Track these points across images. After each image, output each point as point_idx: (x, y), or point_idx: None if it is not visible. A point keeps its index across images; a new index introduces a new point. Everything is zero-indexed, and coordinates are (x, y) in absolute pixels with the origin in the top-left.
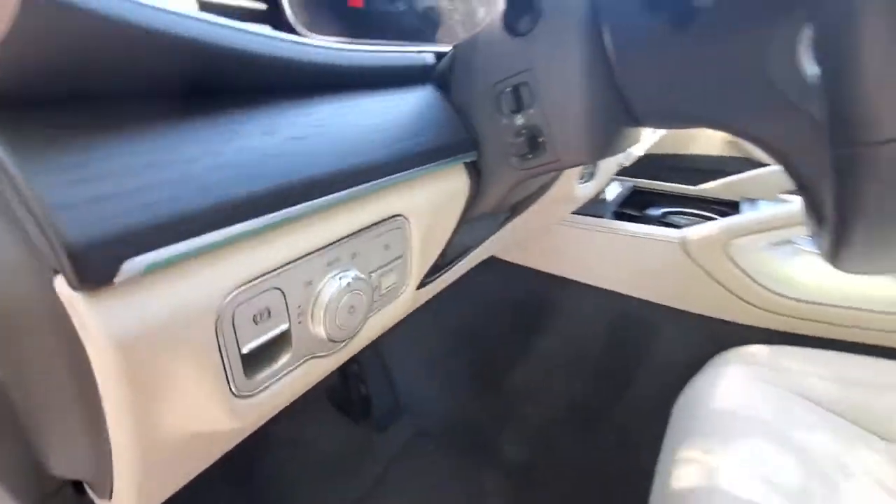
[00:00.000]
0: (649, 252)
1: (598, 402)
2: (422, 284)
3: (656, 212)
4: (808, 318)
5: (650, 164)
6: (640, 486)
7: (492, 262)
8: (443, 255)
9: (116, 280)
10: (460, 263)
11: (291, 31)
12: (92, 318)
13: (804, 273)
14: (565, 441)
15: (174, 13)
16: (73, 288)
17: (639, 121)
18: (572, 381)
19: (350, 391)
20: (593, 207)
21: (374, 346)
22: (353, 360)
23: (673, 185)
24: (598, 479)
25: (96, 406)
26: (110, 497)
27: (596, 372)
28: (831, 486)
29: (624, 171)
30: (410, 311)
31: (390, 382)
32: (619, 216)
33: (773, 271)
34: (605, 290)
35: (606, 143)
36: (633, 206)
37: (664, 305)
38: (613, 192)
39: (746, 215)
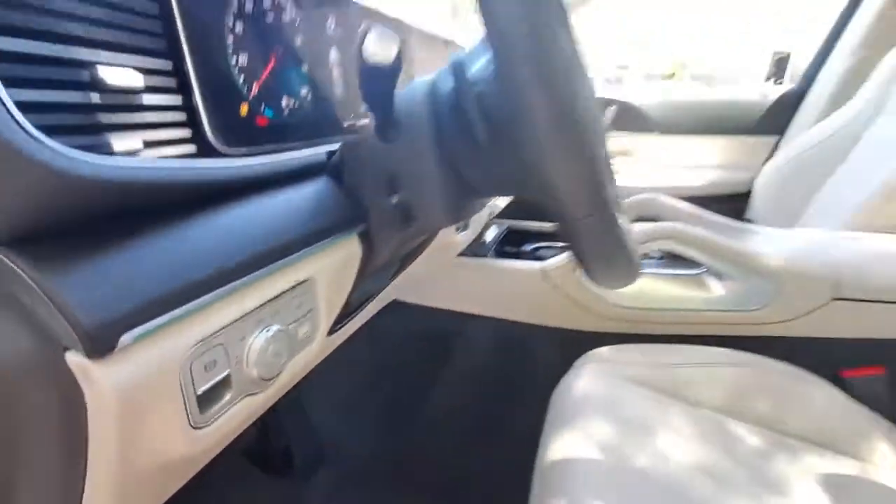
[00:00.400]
0: (520, 282)
1: (497, 414)
2: (332, 331)
3: (529, 247)
4: (642, 320)
5: (526, 207)
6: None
7: (395, 305)
8: (347, 304)
9: (116, 349)
10: (364, 310)
11: (215, 150)
12: (98, 376)
13: (635, 287)
14: (478, 455)
15: (131, 164)
16: (84, 357)
17: (479, 194)
18: (475, 400)
19: (269, 446)
20: (477, 248)
21: (293, 396)
22: (271, 411)
23: (540, 223)
24: (511, 482)
25: (77, 453)
26: None
27: (493, 388)
28: (654, 444)
29: (503, 214)
30: (325, 354)
31: (310, 430)
32: (500, 254)
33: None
34: (491, 318)
35: (458, 211)
36: (512, 244)
37: (536, 324)
38: (492, 234)
39: None
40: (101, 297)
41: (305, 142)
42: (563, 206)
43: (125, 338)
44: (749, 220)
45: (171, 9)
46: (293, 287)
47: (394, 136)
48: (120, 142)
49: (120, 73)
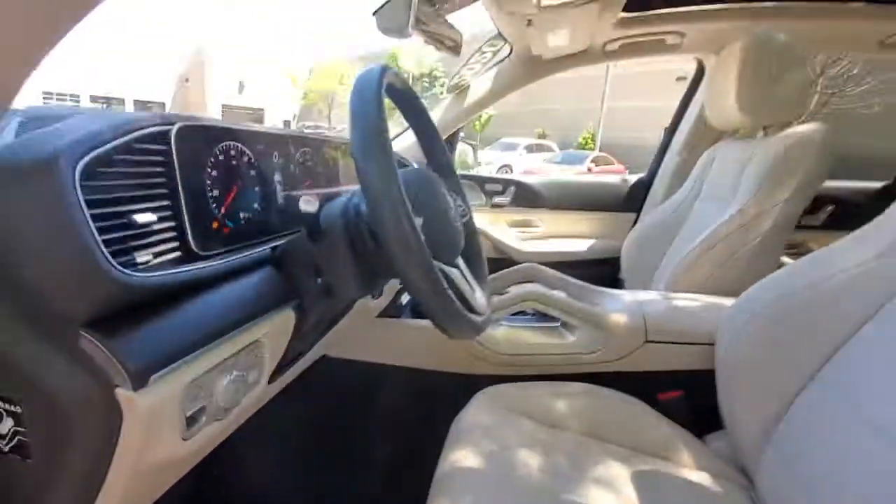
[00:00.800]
0: (427, 336)
1: (411, 446)
2: (271, 380)
3: None
4: (518, 363)
5: None
6: None
7: (324, 360)
8: (284, 357)
9: (149, 384)
10: (298, 363)
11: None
12: (136, 404)
13: (511, 337)
14: (396, 480)
15: (151, 275)
16: (128, 391)
17: (377, 276)
18: (392, 435)
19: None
20: (395, 310)
21: (233, 454)
22: (212, 467)
23: None
24: (424, 498)
25: (107, 455)
26: None
27: (407, 424)
28: (522, 456)
29: None
30: (268, 397)
31: (248, 483)
32: (416, 314)
33: (496, 337)
34: (403, 367)
35: (364, 287)
36: None
37: (440, 371)
38: (407, 297)
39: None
40: (139, 354)
41: (256, 241)
42: (410, 289)
43: (153, 378)
44: (621, 279)
45: (175, 174)
46: (248, 346)
47: (319, 238)
48: (141, 257)
49: (143, 216)
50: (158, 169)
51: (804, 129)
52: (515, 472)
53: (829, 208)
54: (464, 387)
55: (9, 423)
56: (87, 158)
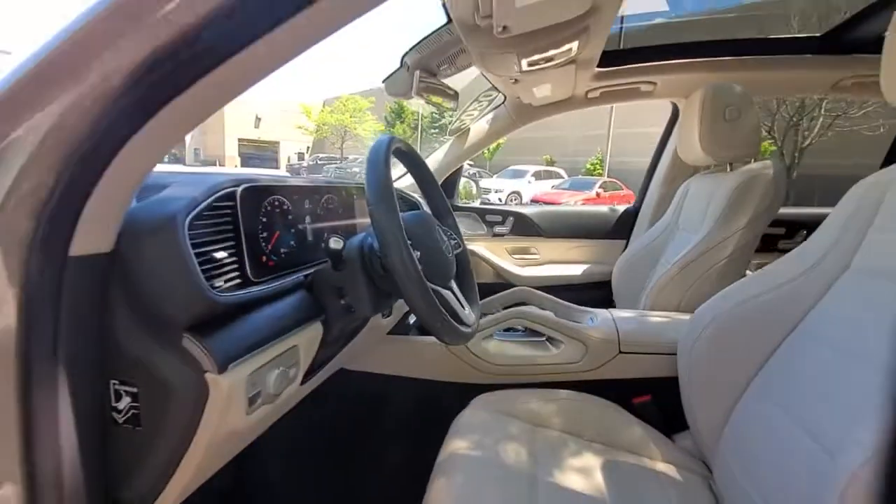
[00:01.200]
0: (430, 351)
1: (416, 448)
2: (303, 381)
3: None
4: (509, 373)
5: None
6: None
7: (340, 372)
8: (312, 363)
9: (227, 371)
10: (323, 370)
11: (251, 280)
12: (219, 383)
13: (503, 350)
14: (400, 477)
15: (228, 295)
16: (215, 374)
17: (388, 297)
18: (399, 436)
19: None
20: (403, 328)
21: (266, 452)
22: (246, 468)
23: None
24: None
25: (194, 425)
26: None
27: (412, 428)
28: (511, 450)
29: None
30: (300, 396)
31: (277, 479)
32: (421, 331)
33: (490, 350)
34: (409, 378)
35: (378, 307)
36: None
37: (441, 380)
38: (413, 317)
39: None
40: (221, 349)
41: (293, 270)
42: (410, 306)
43: (230, 366)
44: (613, 301)
45: (239, 223)
46: (288, 349)
47: (342, 268)
48: (217, 283)
49: (219, 253)
50: (228, 219)
51: (758, 166)
52: (502, 459)
53: (804, 232)
54: (462, 393)
55: (127, 401)
56: (190, 216)
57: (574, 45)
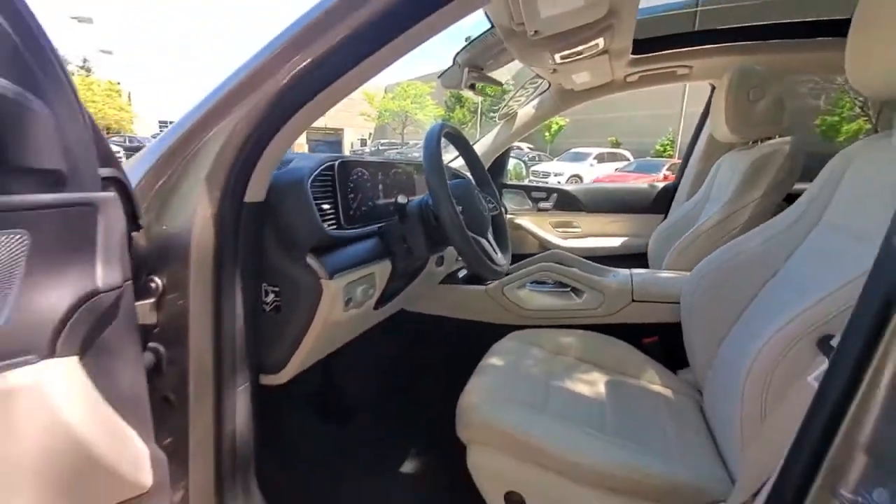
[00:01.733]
0: (473, 297)
1: (460, 373)
2: (376, 307)
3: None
4: (538, 317)
5: None
6: None
7: (401, 312)
8: (383, 293)
9: (333, 278)
10: (391, 303)
11: (344, 227)
12: (330, 285)
13: (533, 298)
14: (447, 398)
15: (336, 231)
16: (327, 279)
17: (441, 244)
18: (446, 366)
19: (326, 399)
20: (452, 278)
21: (344, 369)
22: (334, 375)
23: None
24: None
25: (311, 316)
26: (280, 371)
27: (456, 359)
28: (535, 371)
29: None
30: (375, 320)
31: (344, 393)
32: (467, 281)
33: (523, 298)
34: (455, 318)
35: (432, 251)
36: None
37: (481, 321)
38: (462, 271)
39: (515, 273)
40: (331, 264)
41: (371, 222)
42: (454, 247)
43: (335, 276)
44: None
45: (336, 186)
46: (368, 274)
47: (405, 220)
48: (324, 224)
49: (325, 204)
50: (329, 183)
51: (777, 142)
52: (524, 371)
53: None
54: (498, 332)
55: (272, 296)
56: (310, 179)
57: (600, 40)
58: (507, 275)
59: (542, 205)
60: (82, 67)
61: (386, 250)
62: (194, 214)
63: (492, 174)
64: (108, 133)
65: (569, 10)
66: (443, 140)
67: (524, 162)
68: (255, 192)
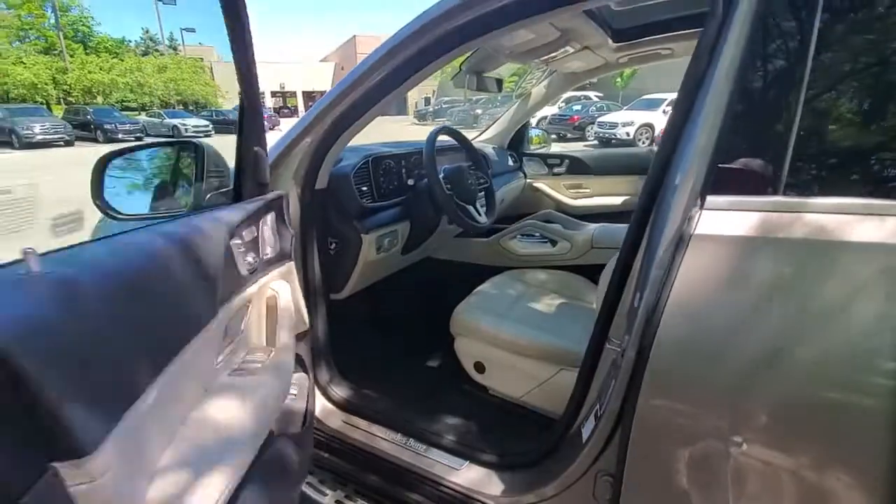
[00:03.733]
0: (481, 247)
1: (463, 298)
2: (403, 253)
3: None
4: (526, 262)
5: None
6: None
7: (427, 259)
8: (406, 244)
9: (369, 233)
10: (416, 251)
11: (376, 199)
12: (366, 237)
13: (521, 246)
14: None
15: None
16: (365, 234)
17: (440, 210)
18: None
19: (375, 315)
20: (466, 234)
21: (378, 299)
22: (379, 298)
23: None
24: None
25: (355, 262)
26: (341, 291)
27: (465, 290)
28: (514, 296)
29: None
30: (404, 264)
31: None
32: (476, 235)
33: (514, 247)
34: (466, 262)
35: (438, 213)
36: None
37: (484, 264)
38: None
39: (509, 228)
40: (367, 225)
41: (395, 198)
42: (443, 211)
43: (370, 231)
44: None
45: (370, 172)
46: (392, 231)
47: (416, 194)
48: (363, 200)
49: (363, 187)
50: (366, 171)
51: None
52: (502, 292)
53: None
54: (497, 272)
55: (334, 245)
56: (353, 172)
57: (568, 48)
58: (494, 231)
59: (556, 170)
60: (170, 47)
61: (406, 215)
62: (290, 196)
63: (514, 143)
64: (197, 108)
65: (527, 39)
66: (446, 137)
67: (546, 132)
68: (322, 181)
